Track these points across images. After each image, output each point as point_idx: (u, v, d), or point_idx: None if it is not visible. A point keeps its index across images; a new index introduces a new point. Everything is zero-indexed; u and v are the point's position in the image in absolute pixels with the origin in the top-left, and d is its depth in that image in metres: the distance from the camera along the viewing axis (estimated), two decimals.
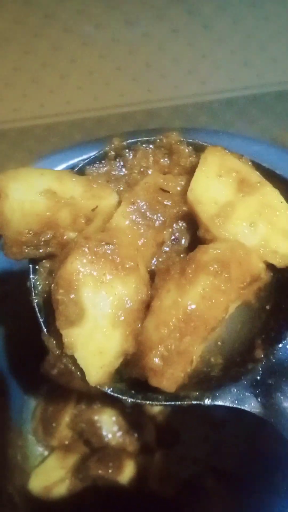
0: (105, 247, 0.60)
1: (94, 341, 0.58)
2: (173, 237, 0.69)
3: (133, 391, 0.62)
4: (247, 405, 0.61)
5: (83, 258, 0.58)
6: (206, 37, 1.53)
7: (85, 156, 0.73)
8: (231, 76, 1.66)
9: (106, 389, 0.61)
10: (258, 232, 0.64)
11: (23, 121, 1.64)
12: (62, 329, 0.58)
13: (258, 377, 0.62)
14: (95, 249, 0.59)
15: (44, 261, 0.66)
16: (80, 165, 0.71)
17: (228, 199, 0.65)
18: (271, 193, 0.66)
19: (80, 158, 0.76)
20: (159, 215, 0.66)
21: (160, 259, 0.68)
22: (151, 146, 0.73)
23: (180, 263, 0.61)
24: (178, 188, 0.70)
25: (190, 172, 0.70)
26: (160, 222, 0.66)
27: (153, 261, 0.67)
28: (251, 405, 0.61)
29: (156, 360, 0.56)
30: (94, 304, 0.58)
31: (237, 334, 0.67)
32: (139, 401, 0.61)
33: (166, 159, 0.73)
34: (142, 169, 0.72)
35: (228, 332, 0.67)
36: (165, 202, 0.67)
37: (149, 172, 0.72)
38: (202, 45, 1.55)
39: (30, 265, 0.66)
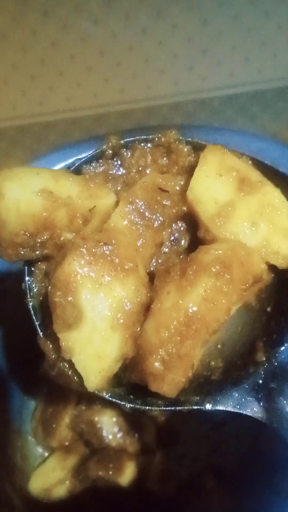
0: (103, 247, 0.59)
1: (93, 345, 0.57)
2: (172, 238, 0.68)
3: (132, 396, 0.61)
4: (249, 410, 0.60)
5: (80, 259, 0.57)
6: (206, 33, 1.52)
7: (82, 155, 0.72)
8: (232, 72, 1.65)
9: (104, 394, 0.60)
10: (259, 232, 0.63)
11: (22, 119, 1.63)
12: (59, 332, 0.57)
13: (260, 381, 0.61)
14: (93, 249, 0.58)
15: (39, 262, 0.65)
16: (76, 164, 0.70)
17: (228, 198, 0.64)
18: (272, 193, 0.65)
19: (78, 157, 0.75)
20: (158, 215, 0.65)
21: (159, 260, 0.67)
22: (149, 144, 0.72)
23: (180, 264, 0.60)
24: (177, 188, 0.69)
25: (189, 171, 0.69)
26: (159, 222, 0.65)
27: (152, 262, 0.66)
28: (253, 410, 0.60)
29: (157, 364, 0.55)
30: (93, 306, 0.57)
31: (238, 336, 0.66)
32: (138, 406, 0.60)
33: (164, 158, 0.72)
34: (140, 168, 0.71)
35: (228, 335, 0.66)
36: (164, 202, 0.66)
37: (147, 171, 0.71)
38: (202, 41, 1.54)
39: (26, 267, 0.65)
